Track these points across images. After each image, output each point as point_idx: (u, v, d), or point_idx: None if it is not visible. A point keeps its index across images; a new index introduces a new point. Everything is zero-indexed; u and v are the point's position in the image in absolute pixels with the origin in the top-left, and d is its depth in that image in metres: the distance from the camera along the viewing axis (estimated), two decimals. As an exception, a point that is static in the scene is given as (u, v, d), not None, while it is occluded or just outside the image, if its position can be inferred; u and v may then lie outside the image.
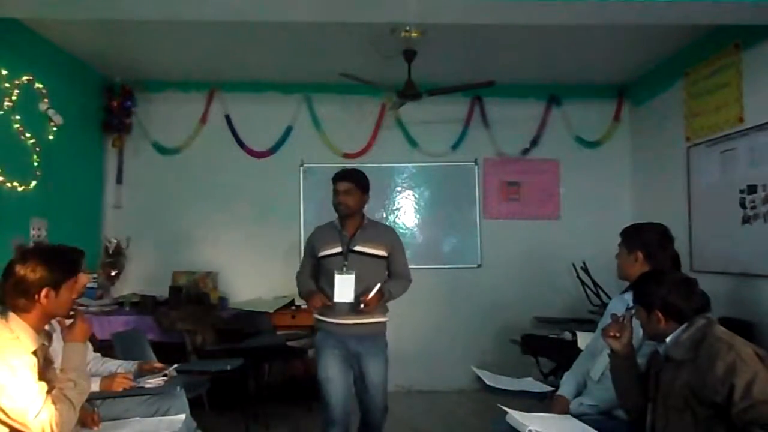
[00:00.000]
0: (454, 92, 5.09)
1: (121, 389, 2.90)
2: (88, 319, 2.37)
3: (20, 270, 2.14)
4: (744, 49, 4.20)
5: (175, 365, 3.16)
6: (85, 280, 2.47)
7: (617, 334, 2.37)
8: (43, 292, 2.14)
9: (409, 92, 4.80)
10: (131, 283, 5.60)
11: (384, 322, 3.43)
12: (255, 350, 4.66)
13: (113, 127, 5.59)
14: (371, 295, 3.18)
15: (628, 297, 2.72)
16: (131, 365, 3.14)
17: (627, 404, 2.43)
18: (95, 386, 2.82)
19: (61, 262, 2.23)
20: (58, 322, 2.35)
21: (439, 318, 5.84)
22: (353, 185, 3.39)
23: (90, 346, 3.19)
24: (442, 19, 3.92)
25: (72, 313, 2.30)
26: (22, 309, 2.15)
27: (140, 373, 3.07)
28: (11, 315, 2.14)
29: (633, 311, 2.37)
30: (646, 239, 2.73)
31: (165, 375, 3.06)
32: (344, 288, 3.24)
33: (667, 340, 2.23)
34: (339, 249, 3.34)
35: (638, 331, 2.41)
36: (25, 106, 4.27)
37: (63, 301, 2.21)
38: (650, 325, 2.27)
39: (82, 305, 4.76)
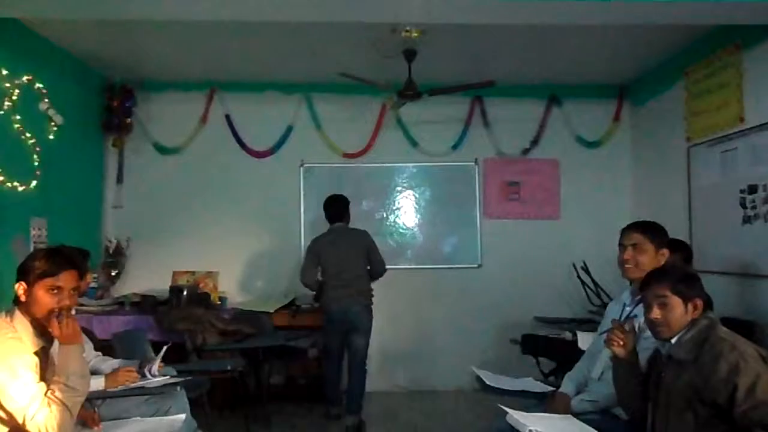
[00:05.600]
0: (454, 92, 5.09)
1: (126, 383, 2.91)
2: (76, 319, 2.23)
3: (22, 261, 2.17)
4: (744, 49, 4.20)
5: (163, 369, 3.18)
6: (70, 283, 2.29)
7: (621, 342, 2.34)
8: (19, 287, 2.14)
9: (409, 92, 4.80)
10: (131, 283, 5.60)
11: None
12: (255, 350, 4.66)
13: (113, 126, 5.58)
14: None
15: (626, 298, 2.72)
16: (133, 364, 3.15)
17: (628, 406, 2.42)
18: (99, 383, 2.83)
19: (45, 260, 2.17)
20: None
21: (439, 318, 5.84)
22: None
23: (91, 345, 3.20)
24: (442, 19, 3.92)
25: (57, 315, 2.15)
26: (17, 303, 2.16)
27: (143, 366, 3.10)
28: (17, 313, 2.14)
29: (636, 321, 2.35)
30: (666, 238, 2.71)
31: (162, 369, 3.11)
32: None
33: (672, 341, 2.21)
34: None
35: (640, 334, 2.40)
36: (25, 106, 4.26)
37: (39, 302, 2.13)
38: (684, 316, 2.20)
39: (82, 305, 4.76)
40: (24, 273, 2.16)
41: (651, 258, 2.64)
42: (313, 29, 4.41)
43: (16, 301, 2.16)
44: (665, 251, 2.65)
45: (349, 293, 4.65)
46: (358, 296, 4.68)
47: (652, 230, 2.70)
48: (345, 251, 4.69)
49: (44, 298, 2.13)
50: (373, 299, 4.78)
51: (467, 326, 5.80)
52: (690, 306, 2.19)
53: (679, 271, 2.35)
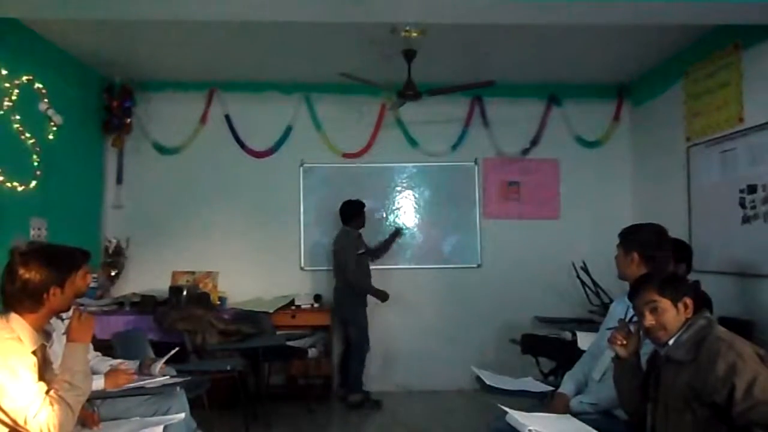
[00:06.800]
0: (454, 92, 5.09)
1: (125, 385, 2.91)
2: (92, 317, 2.32)
3: (24, 274, 2.13)
4: (744, 49, 4.20)
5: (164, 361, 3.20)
6: (88, 278, 2.53)
7: (624, 342, 2.34)
8: (51, 291, 2.16)
9: (409, 92, 4.80)
10: (131, 283, 5.59)
11: None
12: (255, 350, 4.66)
13: (113, 127, 5.58)
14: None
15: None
16: (133, 364, 3.15)
17: (629, 408, 2.42)
18: (99, 383, 2.83)
19: (61, 259, 2.25)
20: (69, 319, 2.32)
21: (439, 318, 5.84)
22: None
23: (90, 345, 3.19)
24: (442, 19, 3.92)
25: (73, 308, 2.30)
26: (29, 310, 2.14)
27: (142, 369, 3.10)
28: (12, 315, 2.13)
29: (636, 321, 2.34)
30: (642, 240, 2.72)
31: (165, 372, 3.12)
32: None
33: (670, 342, 2.21)
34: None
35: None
36: (25, 106, 4.26)
37: (68, 297, 2.25)
38: (678, 317, 2.22)
39: (82, 305, 4.76)
40: (50, 280, 2.16)
41: (622, 261, 2.73)
42: (313, 29, 4.41)
43: (15, 306, 2.15)
44: (635, 255, 2.68)
45: (340, 288, 5.33)
46: (346, 292, 5.28)
47: (622, 235, 2.75)
48: (335, 251, 5.38)
49: (72, 292, 2.28)
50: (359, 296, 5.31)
51: (467, 326, 5.80)
52: (681, 306, 2.20)
53: (661, 274, 2.37)
